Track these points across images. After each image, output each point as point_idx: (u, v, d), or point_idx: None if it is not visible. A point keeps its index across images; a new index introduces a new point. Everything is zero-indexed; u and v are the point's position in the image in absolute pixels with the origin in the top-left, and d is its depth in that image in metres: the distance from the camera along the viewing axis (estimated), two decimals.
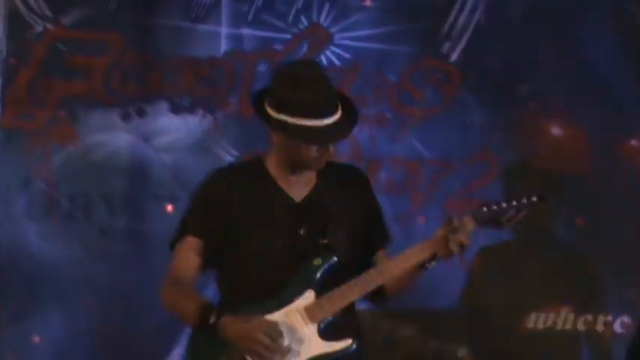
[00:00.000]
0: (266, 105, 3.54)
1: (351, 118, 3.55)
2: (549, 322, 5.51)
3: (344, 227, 3.57)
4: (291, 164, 3.56)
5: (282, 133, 3.49)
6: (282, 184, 3.58)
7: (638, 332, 4.61)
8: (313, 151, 3.50)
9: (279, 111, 3.49)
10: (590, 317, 5.52)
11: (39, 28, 5.56)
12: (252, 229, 3.55)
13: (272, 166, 3.58)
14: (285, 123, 3.47)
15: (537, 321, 5.52)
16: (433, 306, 5.47)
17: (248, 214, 3.55)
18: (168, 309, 3.56)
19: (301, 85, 3.59)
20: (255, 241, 3.53)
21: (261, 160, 3.61)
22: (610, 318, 5.47)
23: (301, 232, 3.52)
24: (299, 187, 3.60)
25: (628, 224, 5.61)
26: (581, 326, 5.49)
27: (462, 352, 5.52)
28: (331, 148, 3.55)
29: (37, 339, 5.41)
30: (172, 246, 3.62)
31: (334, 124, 3.48)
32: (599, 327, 5.50)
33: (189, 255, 3.55)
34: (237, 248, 3.55)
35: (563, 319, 5.53)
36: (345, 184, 3.65)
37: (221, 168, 3.83)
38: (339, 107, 3.52)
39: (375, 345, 5.46)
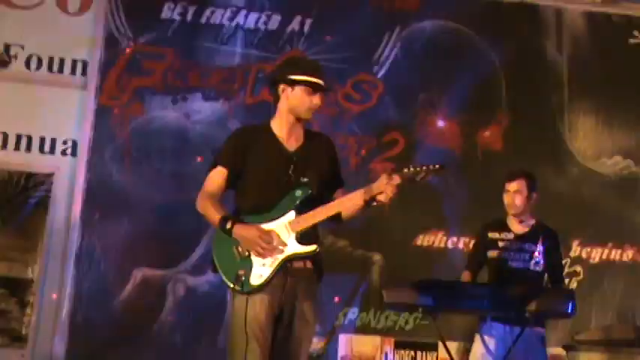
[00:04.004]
0: (280, 78, 3.75)
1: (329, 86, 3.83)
2: (429, 241, 6.30)
3: (317, 172, 3.76)
4: (295, 115, 3.70)
5: (296, 86, 3.66)
6: (281, 139, 3.79)
7: (476, 241, 5.08)
8: (313, 98, 3.71)
9: (295, 73, 3.70)
10: (455, 239, 6.28)
11: (124, 44, 6.29)
12: (260, 166, 3.75)
13: (275, 127, 3.82)
14: (299, 80, 3.68)
15: (423, 240, 6.32)
16: (358, 227, 5.97)
17: (258, 156, 3.76)
18: (200, 212, 3.74)
19: (308, 60, 4.18)
20: (261, 174, 3.75)
21: (269, 124, 3.86)
22: (467, 239, 6.11)
23: (290, 171, 3.72)
24: (292, 143, 3.80)
25: (479, 185, 6.20)
26: (450, 245, 6.25)
27: (376, 257, 6.17)
28: (319, 102, 3.70)
29: (114, 236, 5.97)
30: (208, 171, 3.79)
31: (324, 85, 3.78)
32: (463, 246, 6.17)
33: (218, 178, 3.77)
34: (249, 177, 3.76)
35: (439, 239, 6.28)
36: (320, 144, 3.88)
37: (243, 126, 4.06)
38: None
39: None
